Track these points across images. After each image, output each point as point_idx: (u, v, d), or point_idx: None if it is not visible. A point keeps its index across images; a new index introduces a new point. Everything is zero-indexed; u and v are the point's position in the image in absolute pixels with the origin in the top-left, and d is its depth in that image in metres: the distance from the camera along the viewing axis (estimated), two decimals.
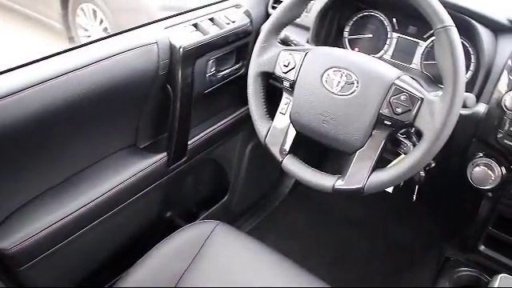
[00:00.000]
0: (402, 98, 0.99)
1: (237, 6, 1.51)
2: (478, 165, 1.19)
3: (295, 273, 1.19)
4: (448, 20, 0.96)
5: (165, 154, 1.38)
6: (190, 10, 1.42)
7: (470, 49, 1.29)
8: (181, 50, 1.25)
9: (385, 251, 1.95)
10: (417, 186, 1.28)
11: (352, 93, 1.03)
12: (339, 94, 1.05)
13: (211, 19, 1.40)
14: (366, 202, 1.96)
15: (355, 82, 1.03)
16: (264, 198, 2.13)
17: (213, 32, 1.35)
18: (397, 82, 1.01)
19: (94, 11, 3.42)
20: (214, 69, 1.45)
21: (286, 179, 2.18)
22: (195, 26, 1.35)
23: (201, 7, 1.45)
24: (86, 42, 1.17)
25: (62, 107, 1.04)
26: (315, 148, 1.34)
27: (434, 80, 1.34)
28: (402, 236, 1.99)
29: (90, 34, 3.53)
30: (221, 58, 1.46)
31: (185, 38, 1.28)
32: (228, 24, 1.41)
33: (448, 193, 1.52)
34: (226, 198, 1.82)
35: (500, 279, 1.07)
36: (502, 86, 1.16)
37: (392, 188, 1.32)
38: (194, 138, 1.48)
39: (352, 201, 2.01)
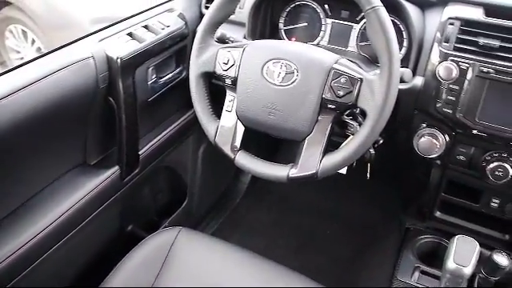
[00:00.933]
0: (342, 80, 1.02)
1: (170, 11, 1.50)
2: (422, 135, 1.24)
3: (264, 267, 1.20)
4: (376, 1, 0.99)
5: (117, 167, 1.36)
6: (123, 20, 1.40)
7: (401, 26, 1.34)
8: (118, 60, 1.23)
9: (348, 231, 1.99)
10: (369, 164, 1.32)
11: (293, 82, 1.05)
12: (281, 84, 1.06)
13: (145, 26, 1.38)
14: (325, 187, 2.00)
15: (295, 71, 1.05)
16: (224, 198, 2.13)
17: (149, 39, 1.34)
18: (335, 65, 1.03)
19: (24, 32, 3.29)
20: (154, 76, 1.43)
21: (243, 176, 2.19)
22: (130, 35, 1.33)
23: (134, 15, 1.43)
24: (19, 65, 1.13)
25: (1, 134, 1.01)
26: (267, 140, 1.36)
27: (372, 60, 1.38)
28: (362, 214, 2.04)
29: (23, 56, 3.40)
30: (160, 64, 1.45)
31: (121, 48, 1.27)
32: (163, 29, 1.40)
33: (400, 166, 1.57)
34: (185, 203, 1.81)
35: (457, 240, 1.13)
36: (435, 57, 1.21)
37: (345, 169, 1.35)
38: (144, 147, 1.46)
39: (311, 187, 2.05)
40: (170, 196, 1.82)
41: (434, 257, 1.52)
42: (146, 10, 1.47)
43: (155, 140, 1.51)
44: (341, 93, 1.02)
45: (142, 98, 1.38)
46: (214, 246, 1.26)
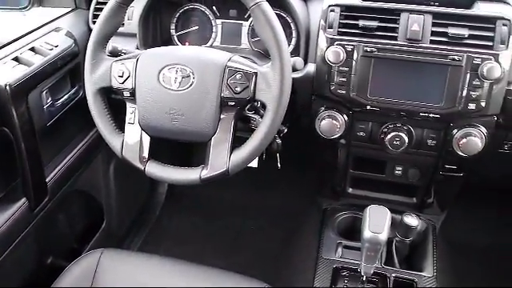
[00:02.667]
0: (238, 77, 1.05)
1: (56, 30, 1.46)
2: (323, 118, 1.30)
3: (194, 272, 1.21)
4: None
5: (24, 199, 1.29)
6: (6, 44, 1.34)
7: (287, 18, 1.40)
8: (7, 88, 1.17)
9: (272, 223, 2.04)
10: (278, 154, 1.37)
11: (191, 85, 1.07)
12: (179, 89, 1.07)
13: (32, 49, 1.33)
14: (243, 184, 2.03)
15: (191, 74, 1.07)
16: (143, 212, 2.10)
17: (37, 62, 1.29)
18: (229, 63, 1.06)
19: None
20: (50, 99, 1.38)
21: (160, 186, 2.17)
22: (16, 59, 1.27)
23: (17, 38, 1.37)
24: None
25: None
26: (178, 146, 1.36)
27: (265, 54, 1.43)
28: (283, 204, 2.10)
29: None
30: (54, 86, 1.40)
31: (8, 74, 1.21)
32: (51, 50, 1.35)
33: (309, 151, 1.63)
34: (104, 224, 1.77)
35: (369, 210, 1.20)
36: (322, 44, 1.28)
37: (256, 162, 1.39)
38: (51, 173, 1.41)
39: (231, 186, 2.07)
40: (87, 220, 1.76)
41: (354, 231, 1.60)
42: (31, 32, 1.41)
43: (61, 165, 1.46)
44: (238, 89, 1.05)
45: (39, 123, 1.33)
46: (140, 262, 1.24)
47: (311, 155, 1.62)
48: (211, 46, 1.48)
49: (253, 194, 2.17)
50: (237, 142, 1.10)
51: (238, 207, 2.14)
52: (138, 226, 2.04)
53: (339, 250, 1.51)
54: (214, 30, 1.48)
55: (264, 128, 1.05)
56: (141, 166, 1.14)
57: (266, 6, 1.03)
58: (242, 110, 1.11)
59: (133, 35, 1.43)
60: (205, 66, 1.07)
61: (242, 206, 2.14)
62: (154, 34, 1.48)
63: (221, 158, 1.08)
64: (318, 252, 1.51)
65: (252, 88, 1.05)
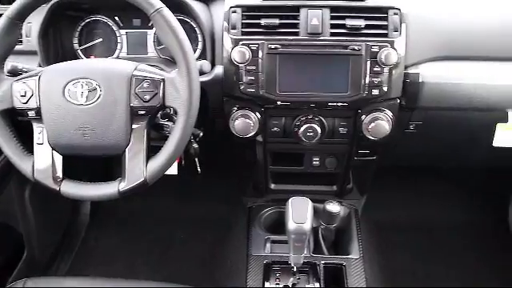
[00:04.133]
0: (145, 85, 1.04)
1: None
2: (236, 118, 1.32)
3: (126, 286, 1.18)
4: (157, 3, 1.03)
5: None
6: None
7: (192, 23, 1.41)
8: None
9: (201, 229, 2.04)
10: (196, 159, 1.37)
11: (98, 98, 1.05)
12: (87, 103, 1.05)
13: None
14: (166, 194, 2.02)
15: (97, 87, 1.05)
16: (67, 235, 2.02)
17: None
18: (135, 72, 1.06)
19: None
20: None
21: (82, 206, 2.11)
22: None
23: None
24: None
25: None
26: (96, 161, 1.32)
27: (173, 61, 1.41)
28: (210, 208, 2.10)
29: None
30: None
31: None
32: None
33: (227, 153, 1.64)
34: (25, 253, 1.68)
35: (291, 202, 1.23)
36: (227, 45, 1.30)
37: (176, 169, 1.38)
38: None
39: (154, 198, 2.04)
40: (7, 252, 1.67)
41: (280, 225, 1.62)
42: None
43: None
44: (147, 97, 1.04)
45: None
46: (68, 285, 1.20)
47: (231, 156, 1.63)
48: (118, 58, 1.46)
49: (179, 204, 2.16)
50: (153, 151, 1.09)
51: (165, 219, 2.12)
52: (63, 251, 1.96)
53: (268, 245, 1.54)
54: (118, 40, 1.46)
55: (177, 133, 1.05)
56: (55, 187, 1.10)
57: (167, 12, 1.03)
58: (153, 119, 1.10)
59: (34, 53, 1.38)
60: (110, 77, 1.05)
61: (169, 217, 2.12)
62: (56, 49, 1.43)
63: (137, 169, 1.06)
64: (247, 250, 1.52)
65: (161, 95, 1.05)
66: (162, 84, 1.04)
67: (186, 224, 2.08)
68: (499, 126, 1.42)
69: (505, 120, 1.41)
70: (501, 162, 1.86)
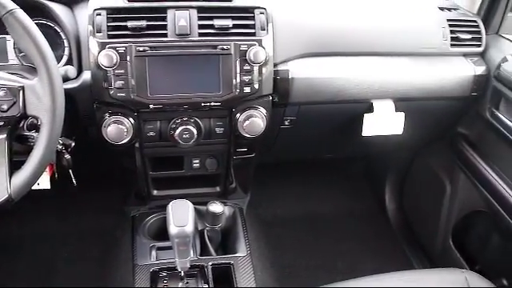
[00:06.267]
0: (2, 94, 0.98)
1: None
2: (108, 125, 1.27)
3: None
4: (9, 4, 0.97)
5: None
6: None
7: (56, 28, 1.33)
8: None
9: (85, 244, 1.95)
10: (70, 171, 1.30)
11: None
12: None
13: None
14: (44, 212, 1.90)
15: None
16: None
17: None
18: None
19: None
20: None
21: None
22: None
23: None
24: None
25: None
26: None
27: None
28: (92, 222, 2.00)
29: None
30: None
31: None
32: None
33: (104, 162, 1.58)
34: None
35: (171, 206, 1.22)
36: (94, 49, 1.25)
37: (48, 183, 1.30)
38: None
39: (30, 217, 1.91)
40: None
41: (165, 231, 1.59)
42: None
43: None
44: (5, 107, 0.98)
45: None
46: None
47: (110, 165, 1.57)
48: None
49: (58, 221, 2.03)
50: (20, 165, 1.02)
51: (45, 237, 1.98)
52: None
53: (153, 253, 1.50)
54: None
55: (42, 143, 0.98)
56: None
57: (21, 14, 0.97)
58: (14, 130, 1.02)
59: None
60: None
61: (49, 236, 1.98)
62: None
63: (0, 185, 0.99)
64: (133, 261, 1.48)
65: (21, 104, 0.98)
66: (21, 92, 0.98)
67: (70, 241, 1.96)
68: (366, 117, 1.52)
69: (371, 111, 1.51)
70: (372, 150, 2.00)
